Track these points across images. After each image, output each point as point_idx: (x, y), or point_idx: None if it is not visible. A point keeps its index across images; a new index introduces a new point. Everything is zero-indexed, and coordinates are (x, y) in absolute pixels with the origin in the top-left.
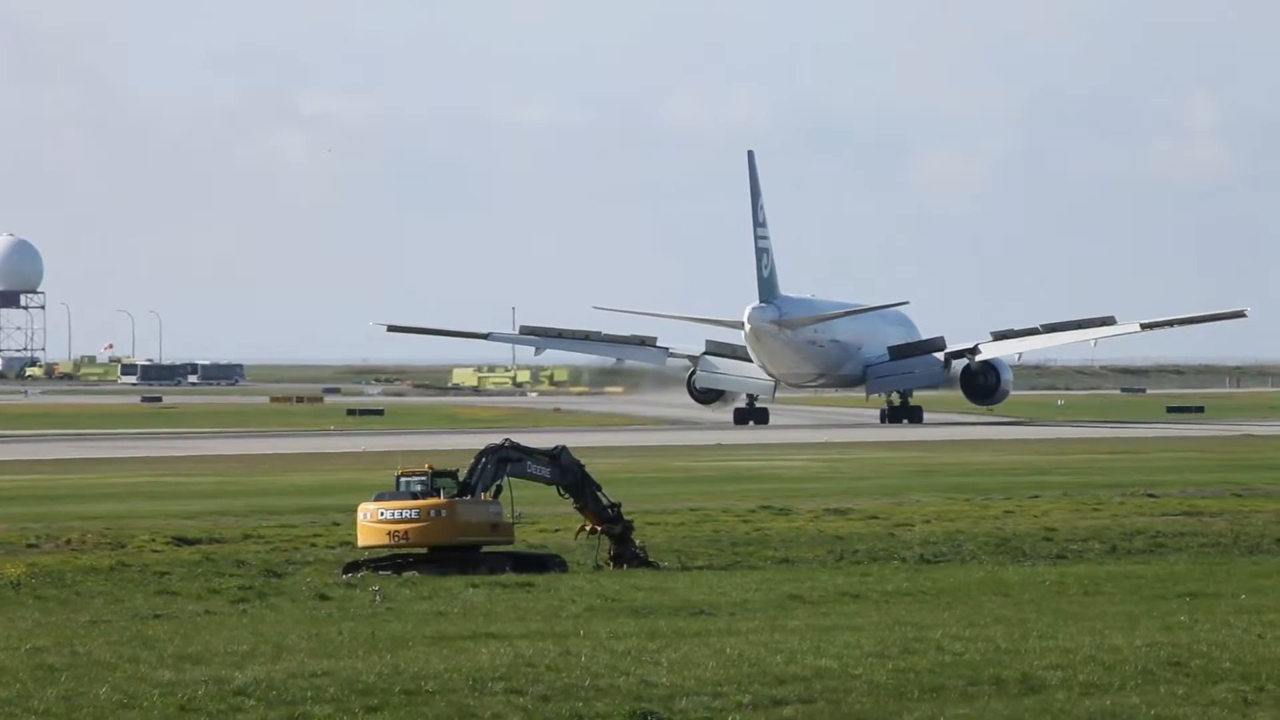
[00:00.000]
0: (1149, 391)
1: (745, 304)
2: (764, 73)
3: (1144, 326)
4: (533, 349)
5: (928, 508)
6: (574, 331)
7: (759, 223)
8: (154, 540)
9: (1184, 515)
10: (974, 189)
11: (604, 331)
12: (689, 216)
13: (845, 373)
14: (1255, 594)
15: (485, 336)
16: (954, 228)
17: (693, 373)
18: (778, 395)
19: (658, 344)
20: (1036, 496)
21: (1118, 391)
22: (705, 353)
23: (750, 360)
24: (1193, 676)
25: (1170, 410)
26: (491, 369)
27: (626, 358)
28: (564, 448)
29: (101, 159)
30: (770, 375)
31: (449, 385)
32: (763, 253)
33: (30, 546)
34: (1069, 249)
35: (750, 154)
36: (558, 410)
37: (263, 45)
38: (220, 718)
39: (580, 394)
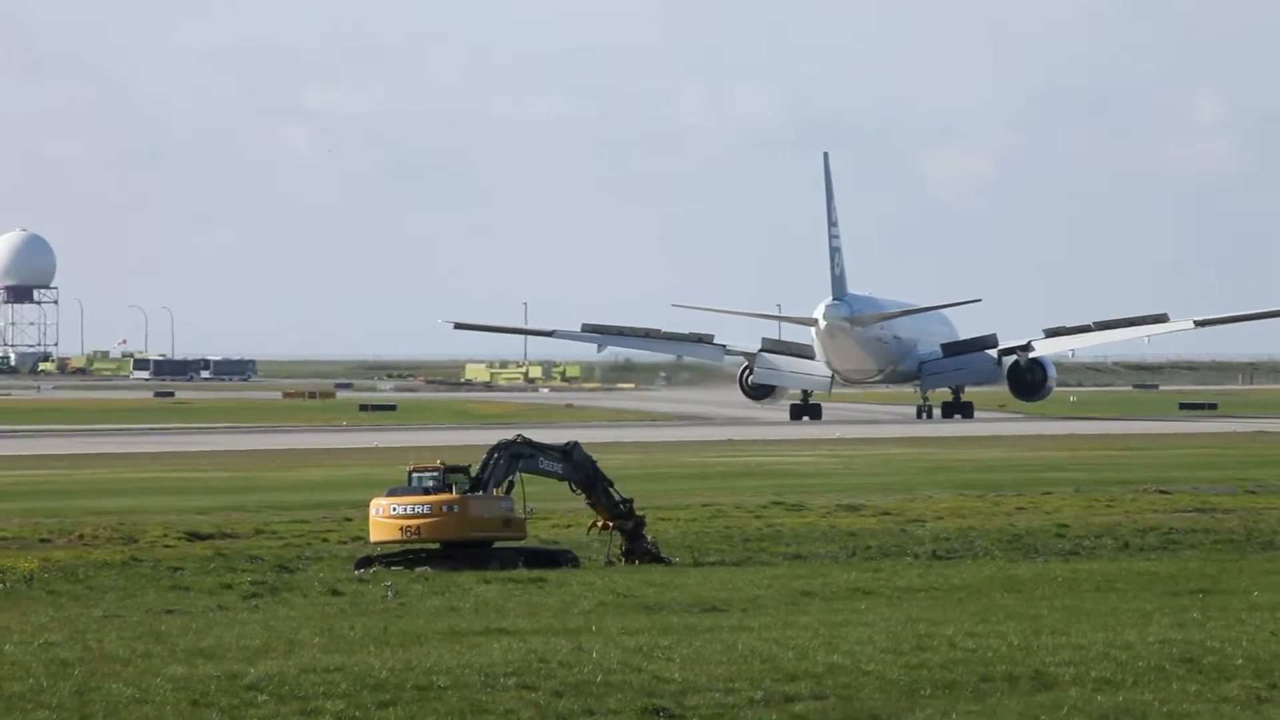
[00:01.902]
0: (1161, 388)
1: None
2: (769, 69)
3: (1198, 324)
4: (595, 346)
5: (940, 504)
6: (634, 329)
7: (832, 222)
8: (166, 535)
9: (1197, 512)
10: (979, 185)
11: (662, 329)
12: (696, 212)
13: (903, 369)
14: (1268, 591)
15: (550, 334)
16: (959, 224)
17: (745, 369)
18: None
19: (715, 341)
20: (1049, 493)
21: (1130, 388)
22: (761, 350)
23: (806, 357)
24: (1205, 673)
25: (1183, 407)
26: (504, 365)
27: (685, 355)
28: (576, 443)
29: (114, 155)
30: (833, 371)
31: (461, 381)
32: (835, 251)
33: (43, 541)
34: (1076, 245)
35: (825, 155)
36: (570, 406)
37: (272, 42)
38: (232, 713)
39: (592, 390)
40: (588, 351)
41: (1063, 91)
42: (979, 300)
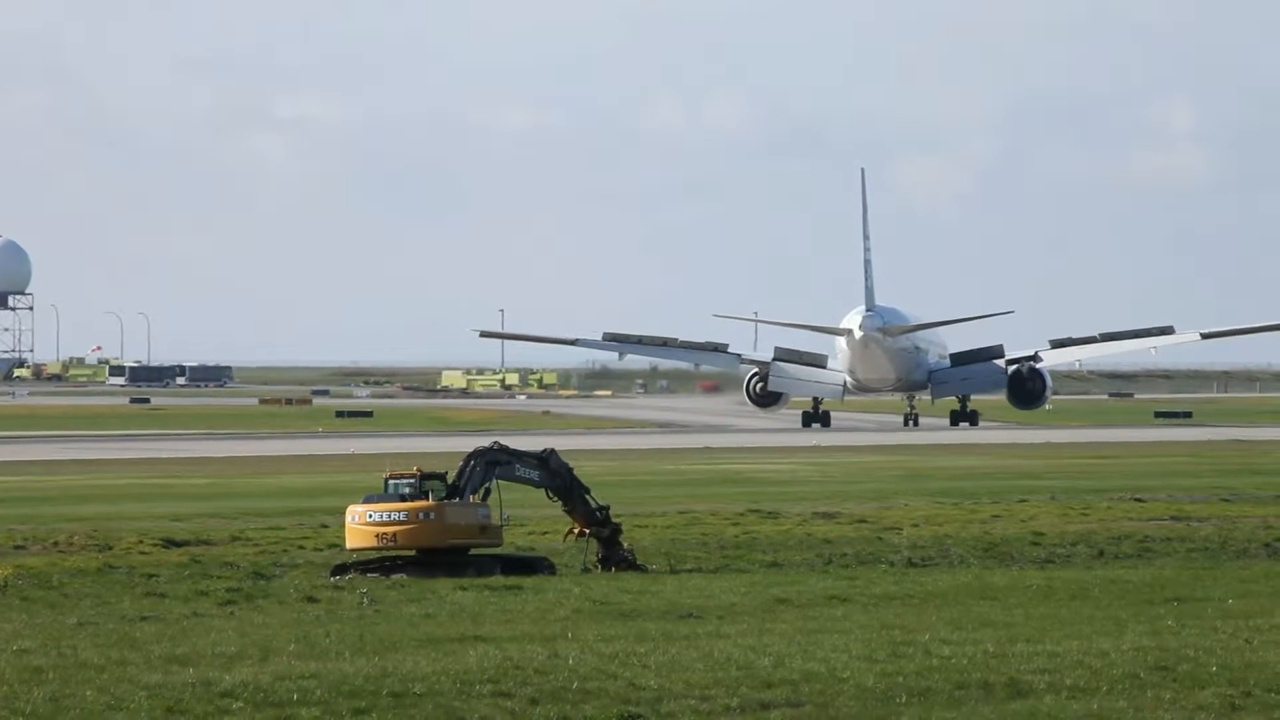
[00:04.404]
0: (1137, 396)
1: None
2: (746, 78)
3: (1204, 336)
4: (613, 354)
5: (916, 512)
6: (652, 338)
7: (865, 235)
8: (142, 542)
9: (1172, 520)
10: (955, 193)
11: (679, 338)
12: (673, 220)
13: (915, 379)
14: (1242, 599)
15: (573, 343)
16: (935, 232)
17: (754, 377)
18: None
19: (729, 350)
20: (1024, 501)
21: (1106, 396)
22: (775, 358)
23: (819, 365)
24: (1180, 681)
25: (1158, 415)
26: (480, 371)
27: (701, 363)
28: (553, 450)
29: (91, 161)
30: (855, 380)
31: (438, 387)
32: (868, 263)
33: (18, 548)
34: (1048, 254)
35: (862, 171)
36: (547, 413)
37: (248, 48)
38: None
39: (570, 397)
40: (564, 358)
41: (1041, 101)
42: (1011, 312)
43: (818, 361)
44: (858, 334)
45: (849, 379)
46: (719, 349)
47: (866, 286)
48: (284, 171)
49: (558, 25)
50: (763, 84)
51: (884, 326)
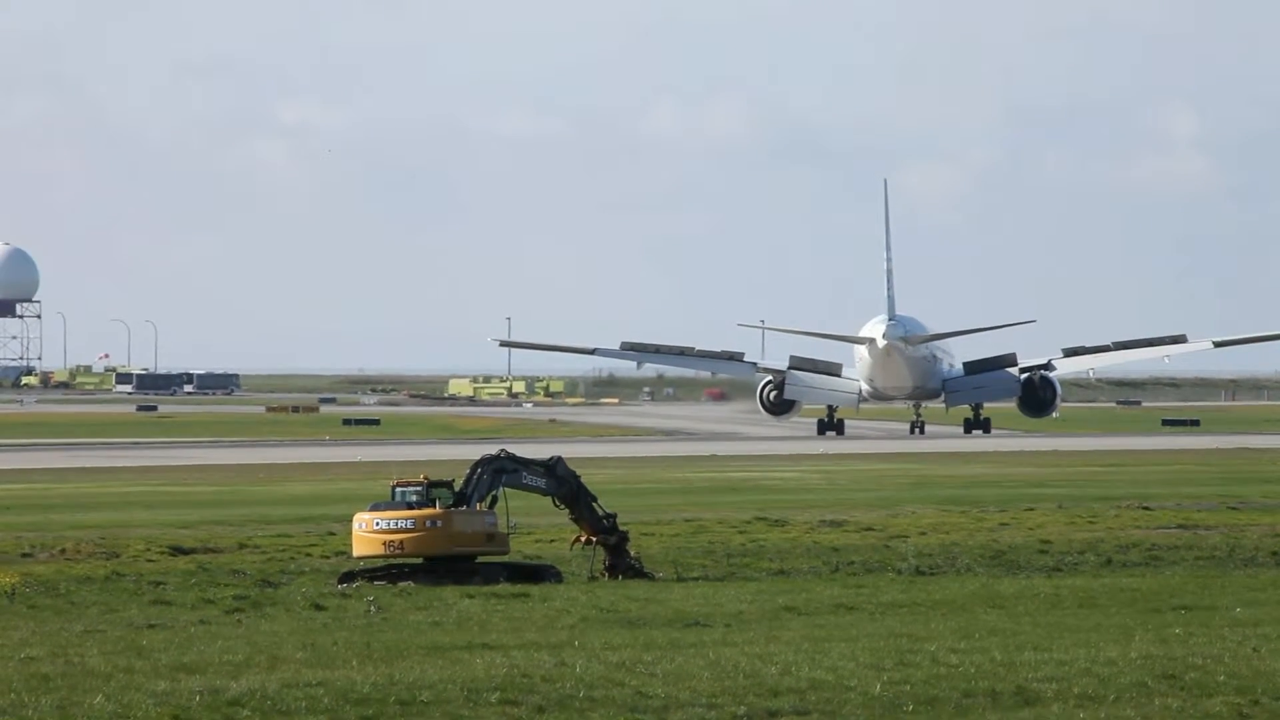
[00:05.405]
0: (1144, 404)
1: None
2: (745, 85)
3: (1216, 344)
4: (627, 364)
5: (923, 520)
6: (670, 347)
7: (887, 245)
8: (149, 550)
9: (1179, 528)
10: (956, 201)
11: (695, 347)
12: (674, 227)
13: (931, 387)
14: (1250, 607)
15: (591, 352)
16: (938, 239)
17: (767, 384)
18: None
19: (745, 358)
20: (1032, 509)
21: (1113, 404)
22: (790, 367)
23: (833, 374)
24: (1187, 689)
25: (1166, 423)
26: (487, 379)
27: (718, 371)
28: (559, 458)
29: (98, 169)
30: (873, 388)
31: (445, 395)
32: (889, 273)
33: (25, 556)
34: (1051, 261)
35: (885, 182)
36: (553, 421)
37: (252, 55)
38: None
39: (576, 405)
40: (570, 366)
41: (1044, 108)
42: (1032, 321)
43: (833, 370)
44: (880, 343)
45: (866, 387)
46: (735, 358)
47: (888, 295)
48: (290, 178)
49: (559, 29)
50: (763, 90)
51: (906, 335)
